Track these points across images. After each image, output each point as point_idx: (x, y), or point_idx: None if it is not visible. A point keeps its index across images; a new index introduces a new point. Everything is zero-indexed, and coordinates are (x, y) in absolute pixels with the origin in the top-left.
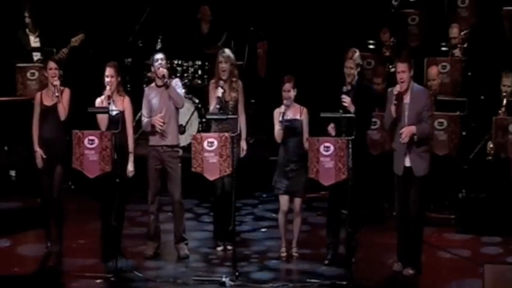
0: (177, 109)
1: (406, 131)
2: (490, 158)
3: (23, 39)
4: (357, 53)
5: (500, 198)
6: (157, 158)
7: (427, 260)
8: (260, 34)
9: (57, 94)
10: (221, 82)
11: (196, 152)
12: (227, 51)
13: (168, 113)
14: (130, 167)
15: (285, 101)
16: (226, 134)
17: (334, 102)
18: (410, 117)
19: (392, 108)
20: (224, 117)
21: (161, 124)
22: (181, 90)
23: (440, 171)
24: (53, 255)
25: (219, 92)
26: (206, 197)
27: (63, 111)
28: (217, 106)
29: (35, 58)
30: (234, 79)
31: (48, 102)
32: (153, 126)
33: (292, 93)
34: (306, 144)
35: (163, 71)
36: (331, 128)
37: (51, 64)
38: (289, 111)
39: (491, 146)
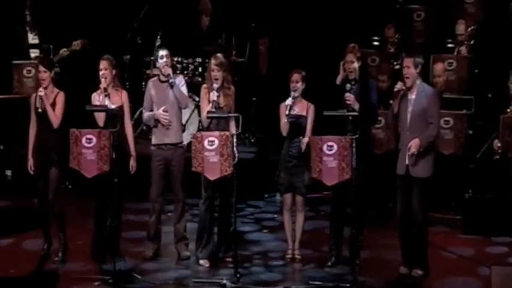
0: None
1: (414, 145)
2: (497, 157)
3: (20, 36)
4: (357, 48)
5: (507, 198)
6: (161, 157)
7: (432, 261)
8: (262, 31)
9: (40, 109)
10: (215, 85)
11: (197, 151)
12: (220, 57)
13: (171, 109)
14: (132, 163)
15: (292, 93)
16: (227, 133)
17: (336, 99)
18: (413, 114)
19: (394, 102)
20: (225, 115)
21: (166, 118)
22: (184, 89)
23: (446, 171)
24: (52, 257)
25: (214, 95)
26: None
27: (55, 120)
28: (213, 110)
29: (33, 55)
30: (227, 86)
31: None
32: (156, 120)
33: (301, 86)
34: (304, 143)
35: (168, 69)
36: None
37: (40, 67)
38: (297, 106)
39: (499, 145)
